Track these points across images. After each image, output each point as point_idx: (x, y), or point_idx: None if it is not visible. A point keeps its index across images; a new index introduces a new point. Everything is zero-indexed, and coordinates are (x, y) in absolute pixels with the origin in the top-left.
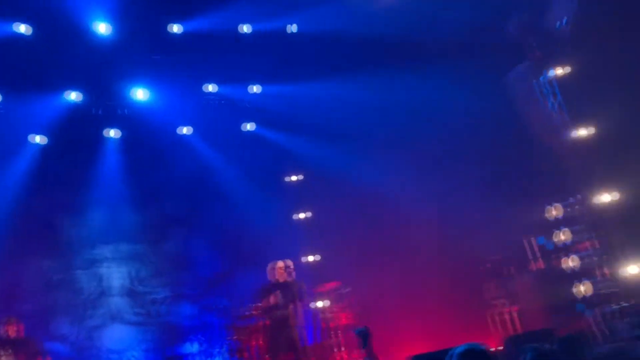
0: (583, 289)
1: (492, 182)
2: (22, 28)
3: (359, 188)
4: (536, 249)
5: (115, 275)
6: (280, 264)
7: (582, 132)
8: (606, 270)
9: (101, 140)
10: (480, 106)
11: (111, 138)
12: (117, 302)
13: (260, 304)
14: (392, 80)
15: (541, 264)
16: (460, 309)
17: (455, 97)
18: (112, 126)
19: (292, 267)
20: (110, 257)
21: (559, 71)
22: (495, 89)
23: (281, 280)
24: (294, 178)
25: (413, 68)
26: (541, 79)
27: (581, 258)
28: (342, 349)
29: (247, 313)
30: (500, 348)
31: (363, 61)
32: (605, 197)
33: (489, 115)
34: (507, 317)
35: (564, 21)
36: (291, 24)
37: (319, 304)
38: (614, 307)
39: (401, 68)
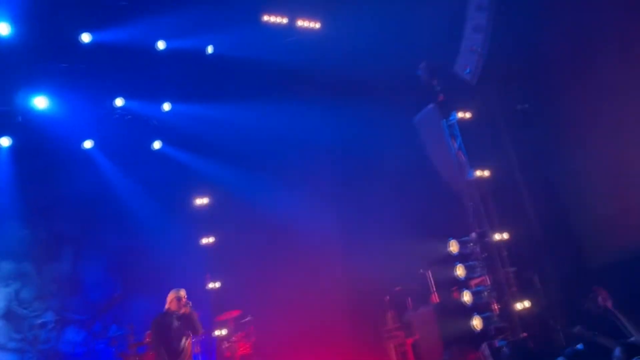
0: (475, 323)
1: (398, 217)
2: None
3: (266, 216)
4: (433, 282)
5: None
6: (181, 293)
7: (479, 173)
8: (496, 306)
9: None
10: (392, 143)
11: (1, 146)
12: None
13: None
14: (305, 111)
15: (438, 298)
16: (362, 340)
17: (367, 132)
18: (3, 134)
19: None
20: None
21: (461, 115)
22: (407, 127)
23: (180, 312)
24: (199, 201)
25: (327, 102)
26: (444, 121)
27: (474, 293)
28: None
29: (139, 341)
30: None
31: (278, 90)
32: (497, 236)
33: (399, 153)
34: (406, 348)
35: (467, 70)
36: (208, 45)
37: (217, 332)
38: (503, 341)
39: (315, 101)
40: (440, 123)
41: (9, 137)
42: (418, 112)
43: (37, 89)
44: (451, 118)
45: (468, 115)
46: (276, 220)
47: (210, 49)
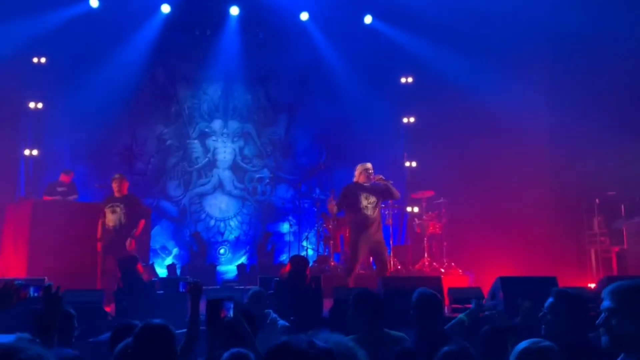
0: None
1: (629, 115)
2: None
3: (472, 100)
4: None
5: (223, 150)
6: (367, 166)
7: None
8: None
9: (223, 16)
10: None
11: (232, 15)
12: (222, 175)
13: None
14: None
15: None
16: (558, 240)
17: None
18: (232, 3)
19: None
20: (219, 132)
21: None
22: None
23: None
24: (404, 80)
25: None
26: None
27: None
28: (426, 255)
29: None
30: (593, 286)
31: None
32: None
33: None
34: (611, 256)
35: None
36: None
37: (409, 209)
38: None
39: None
40: None
41: (237, 6)
42: None
43: None
44: None
45: None
46: (481, 105)
47: None
